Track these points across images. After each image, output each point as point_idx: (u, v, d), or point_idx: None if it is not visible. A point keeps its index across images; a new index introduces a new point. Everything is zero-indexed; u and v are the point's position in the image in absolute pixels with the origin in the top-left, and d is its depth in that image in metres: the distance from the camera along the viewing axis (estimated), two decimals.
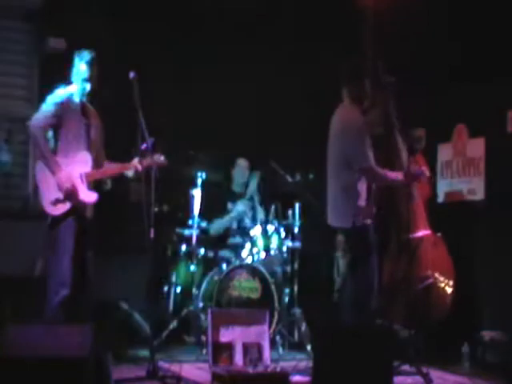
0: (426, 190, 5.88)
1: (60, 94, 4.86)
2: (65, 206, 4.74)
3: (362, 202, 4.99)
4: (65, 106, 4.82)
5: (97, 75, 4.89)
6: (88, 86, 4.87)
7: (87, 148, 4.88)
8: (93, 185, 4.91)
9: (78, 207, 4.79)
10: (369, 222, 5.01)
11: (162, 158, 5.02)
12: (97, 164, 4.94)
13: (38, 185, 4.79)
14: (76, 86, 4.90)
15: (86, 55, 4.86)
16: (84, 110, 4.93)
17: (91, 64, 4.85)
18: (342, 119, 5.12)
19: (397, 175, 5.14)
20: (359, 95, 5.10)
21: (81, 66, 4.86)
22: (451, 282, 5.70)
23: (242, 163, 6.88)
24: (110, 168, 5.05)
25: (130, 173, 4.99)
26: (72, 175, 4.76)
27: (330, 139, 5.16)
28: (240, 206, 6.70)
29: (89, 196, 4.82)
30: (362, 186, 5.01)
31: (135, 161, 4.93)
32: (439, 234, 5.79)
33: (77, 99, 4.90)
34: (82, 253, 4.78)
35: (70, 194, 4.74)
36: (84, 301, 4.78)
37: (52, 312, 4.63)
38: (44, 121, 4.77)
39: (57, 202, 4.72)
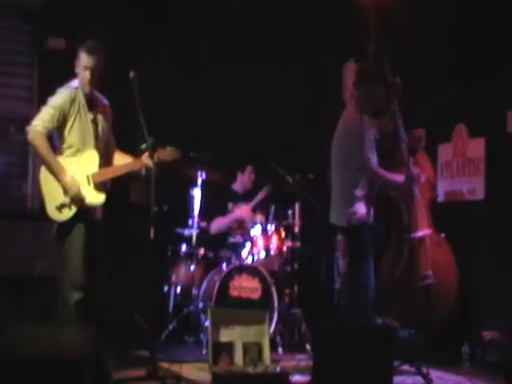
0: (428, 190, 5.88)
1: (61, 94, 4.67)
2: (70, 211, 4.59)
3: (360, 202, 4.99)
4: (67, 105, 4.62)
5: (101, 65, 4.67)
6: (87, 74, 4.63)
7: (94, 144, 4.70)
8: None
9: (86, 210, 4.64)
10: (365, 221, 5.00)
11: (174, 149, 4.84)
12: (106, 160, 4.77)
13: (42, 190, 4.62)
14: (80, 79, 4.69)
15: (87, 44, 4.66)
16: (91, 103, 4.74)
17: (92, 52, 4.63)
18: (345, 121, 5.16)
19: (398, 177, 5.14)
20: (368, 98, 5.10)
21: (81, 55, 4.64)
22: (452, 283, 5.70)
23: (250, 170, 6.87)
24: (119, 168, 4.83)
25: (142, 171, 4.77)
26: (78, 177, 4.61)
27: (334, 139, 5.19)
28: (243, 212, 6.65)
29: (96, 197, 4.67)
30: (362, 186, 5.02)
31: (145, 157, 4.75)
32: (443, 235, 5.79)
33: (82, 93, 4.69)
34: (92, 256, 4.62)
35: (77, 198, 4.58)
36: (93, 303, 4.69)
37: (65, 314, 4.53)
38: (43, 125, 4.56)
39: (62, 206, 4.57)
